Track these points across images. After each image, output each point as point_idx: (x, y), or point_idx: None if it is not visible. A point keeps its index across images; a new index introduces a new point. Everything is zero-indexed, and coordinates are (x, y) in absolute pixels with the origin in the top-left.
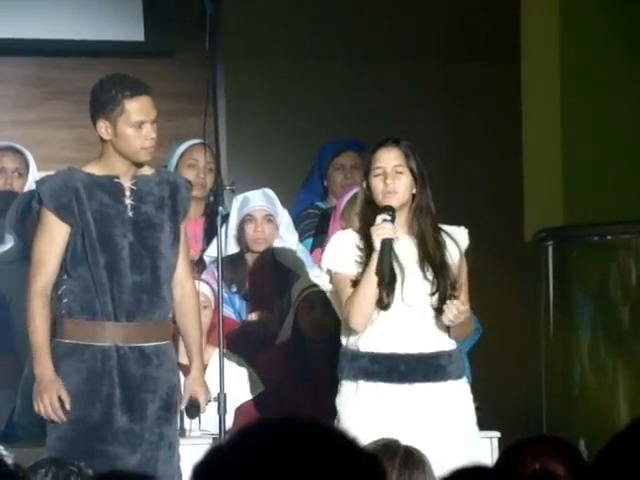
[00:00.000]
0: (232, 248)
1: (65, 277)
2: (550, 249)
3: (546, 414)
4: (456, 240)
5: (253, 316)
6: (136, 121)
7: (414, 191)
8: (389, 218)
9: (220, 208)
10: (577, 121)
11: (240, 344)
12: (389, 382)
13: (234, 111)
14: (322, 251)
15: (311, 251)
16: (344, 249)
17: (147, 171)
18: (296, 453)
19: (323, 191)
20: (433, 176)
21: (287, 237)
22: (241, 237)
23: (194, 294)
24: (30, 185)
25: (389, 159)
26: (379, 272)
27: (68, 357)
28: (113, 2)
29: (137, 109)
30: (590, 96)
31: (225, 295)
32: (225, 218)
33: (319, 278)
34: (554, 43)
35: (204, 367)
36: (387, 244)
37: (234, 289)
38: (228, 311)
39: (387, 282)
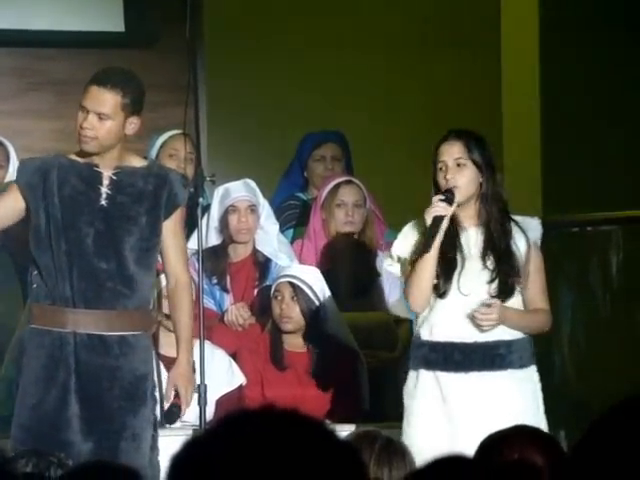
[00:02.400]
0: (213, 240)
1: (33, 263)
2: None
3: None
4: (525, 230)
5: (233, 308)
6: (80, 103)
7: (481, 181)
8: (443, 197)
9: (200, 199)
10: (557, 113)
11: (221, 335)
12: (445, 371)
13: (216, 101)
14: (302, 242)
15: (291, 242)
16: (412, 236)
17: (137, 163)
18: (274, 444)
19: (303, 182)
20: (413, 170)
21: (268, 227)
22: (224, 228)
23: (187, 288)
24: (11, 176)
25: (451, 153)
26: (425, 249)
27: (31, 342)
28: None
29: (85, 96)
30: (571, 87)
31: (206, 286)
32: (205, 209)
33: (391, 266)
34: (534, 30)
35: (190, 361)
36: (437, 221)
37: (214, 281)
38: (209, 302)
39: (428, 255)
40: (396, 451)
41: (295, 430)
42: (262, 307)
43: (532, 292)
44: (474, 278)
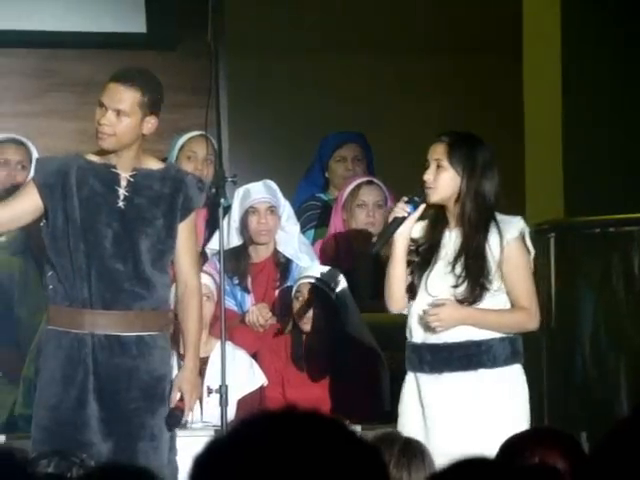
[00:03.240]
0: (234, 240)
1: (50, 264)
2: (552, 241)
3: (547, 405)
4: (503, 230)
5: (254, 308)
6: (99, 100)
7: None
8: (407, 199)
9: (222, 200)
10: (578, 115)
11: (242, 336)
12: (421, 372)
13: (236, 103)
14: (323, 243)
15: (312, 242)
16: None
17: (154, 165)
18: (296, 445)
19: (324, 183)
20: None
21: (289, 228)
22: (244, 229)
23: (196, 293)
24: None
25: (433, 153)
26: (372, 248)
27: (49, 343)
28: None
29: (104, 93)
30: (591, 89)
31: (227, 287)
32: (227, 210)
33: None
34: (555, 39)
35: (197, 366)
36: (396, 222)
37: (236, 281)
38: (230, 303)
39: (373, 253)
40: (415, 453)
41: (317, 431)
42: (283, 308)
43: (513, 291)
44: (441, 280)
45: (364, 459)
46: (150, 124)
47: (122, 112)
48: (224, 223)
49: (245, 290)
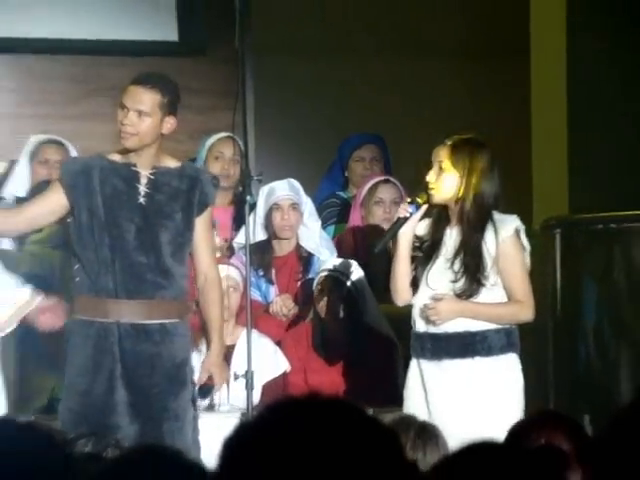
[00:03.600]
0: (259, 235)
1: (76, 258)
2: (557, 237)
3: (553, 391)
4: (498, 229)
5: (278, 299)
6: (119, 102)
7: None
8: (409, 200)
9: (248, 197)
10: (582, 117)
11: (267, 325)
12: (423, 358)
13: (262, 106)
14: (341, 237)
15: (332, 238)
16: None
17: (172, 164)
18: (320, 429)
19: (344, 181)
20: None
21: (311, 224)
22: (268, 225)
23: (216, 283)
24: None
25: (436, 156)
26: (375, 246)
27: (75, 333)
28: (149, 4)
29: (125, 95)
30: (596, 91)
31: (252, 279)
32: (253, 207)
33: None
34: (561, 40)
35: (223, 350)
36: (399, 221)
37: (261, 273)
38: (255, 294)
39: (376, 252)
40: (430, 436)
41: (339, 416)
42: (305, 298)
43: (509, 285)
44: (440, 275)
45: (383, 442)
46: (169, 124)
47: (143, 113)
48: (250, 219)
49: (269, 282)
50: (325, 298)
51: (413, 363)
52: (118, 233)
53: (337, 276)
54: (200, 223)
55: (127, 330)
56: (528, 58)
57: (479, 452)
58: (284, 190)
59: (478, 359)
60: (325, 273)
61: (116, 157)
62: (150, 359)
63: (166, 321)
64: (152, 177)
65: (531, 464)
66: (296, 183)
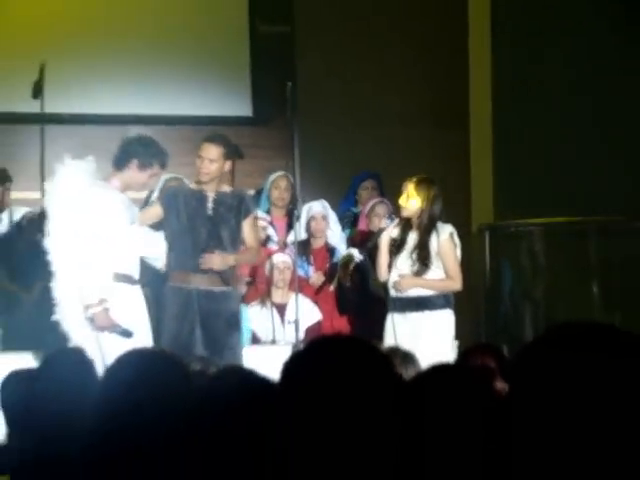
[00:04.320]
0: (302, 235)
1: (170, 250)
2: (487, 236)
3: (484, 334)
4: (439, 233)
5: (315, 275)
6: (198, 154)
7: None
8: (386, 216)
9: (295, 212)
10: (506, 163)
11: (308, 291)
12: (395, 312)
13: (304, 156)
14: (353, 238)
15: (348, 238)
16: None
17: (227, 188)
18: (343, 356)
19: (355, 201)
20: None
21: (334, 229)
22: (308, 229)
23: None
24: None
25: (406, 188)
26: (365, 247)
27: (169, 295)
28: (225, 86)
29: (201, 148)
30: (518, 146)
31: (298, 262)
32: (298, 218)
33: None
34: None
35: (231, 263)
36: (380, 230)
37: (304, 259)
38: (300, 271)
39: (369, 248)
40: (410, 360)
41: (355, 347)
42: (332, 274)
43: (446, 268)
44: (405, 262)
45: (382, 363)
46: (227, 165)
47: (212, 160)
48: (297, 225)
49: (309, 264)
50: (344, 272)
51: (389, 316)
52: (196, 234)
53: (352, 259)
54: (246, 224)
55: (202, 293)
56: (468, 122)
57: (441, 369)
58: (318, 207)
59: (427, 312)
60: (345, 257)
61: (194, 186)
62: (216, 312)
63: (224, 288)
64: (216, 197)
65: (473, 376)
66: (325, 203)
